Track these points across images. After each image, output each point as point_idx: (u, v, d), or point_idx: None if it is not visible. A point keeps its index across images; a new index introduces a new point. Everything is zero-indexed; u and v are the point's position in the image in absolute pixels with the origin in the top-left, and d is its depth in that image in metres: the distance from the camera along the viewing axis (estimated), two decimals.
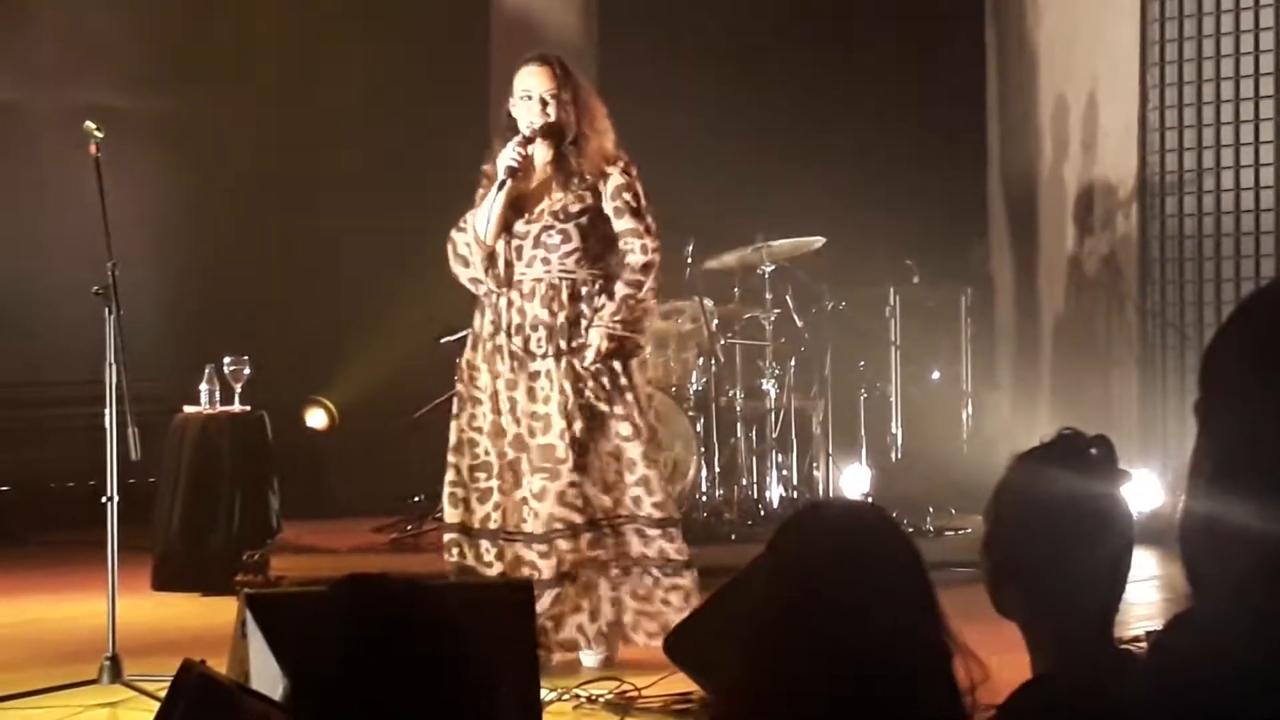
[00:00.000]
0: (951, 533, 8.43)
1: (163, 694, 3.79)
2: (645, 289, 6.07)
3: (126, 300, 5.50)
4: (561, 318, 5.99)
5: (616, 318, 5.99)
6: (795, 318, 8.85)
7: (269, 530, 7.86)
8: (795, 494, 8.82)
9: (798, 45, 11.05)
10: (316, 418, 9.88)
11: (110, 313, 5.41)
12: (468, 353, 6.15)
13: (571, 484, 5.91)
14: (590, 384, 5.99)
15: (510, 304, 6.03)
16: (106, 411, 5.44)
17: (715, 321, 8.66)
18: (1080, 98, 9.75)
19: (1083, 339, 9.80)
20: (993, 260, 10.67)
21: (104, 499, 5.49)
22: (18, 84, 9.63)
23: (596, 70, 11.16)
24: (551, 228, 6.01)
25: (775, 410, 8.81)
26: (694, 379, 8.64)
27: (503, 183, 5.94)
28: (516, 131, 6.03)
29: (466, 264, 6.07)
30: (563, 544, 5.87)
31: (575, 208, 6.05)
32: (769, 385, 8.78)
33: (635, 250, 6.05)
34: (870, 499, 8.72)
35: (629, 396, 6.04)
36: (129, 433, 5.30)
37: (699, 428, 8.49)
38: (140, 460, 5.36)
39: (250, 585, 7.10)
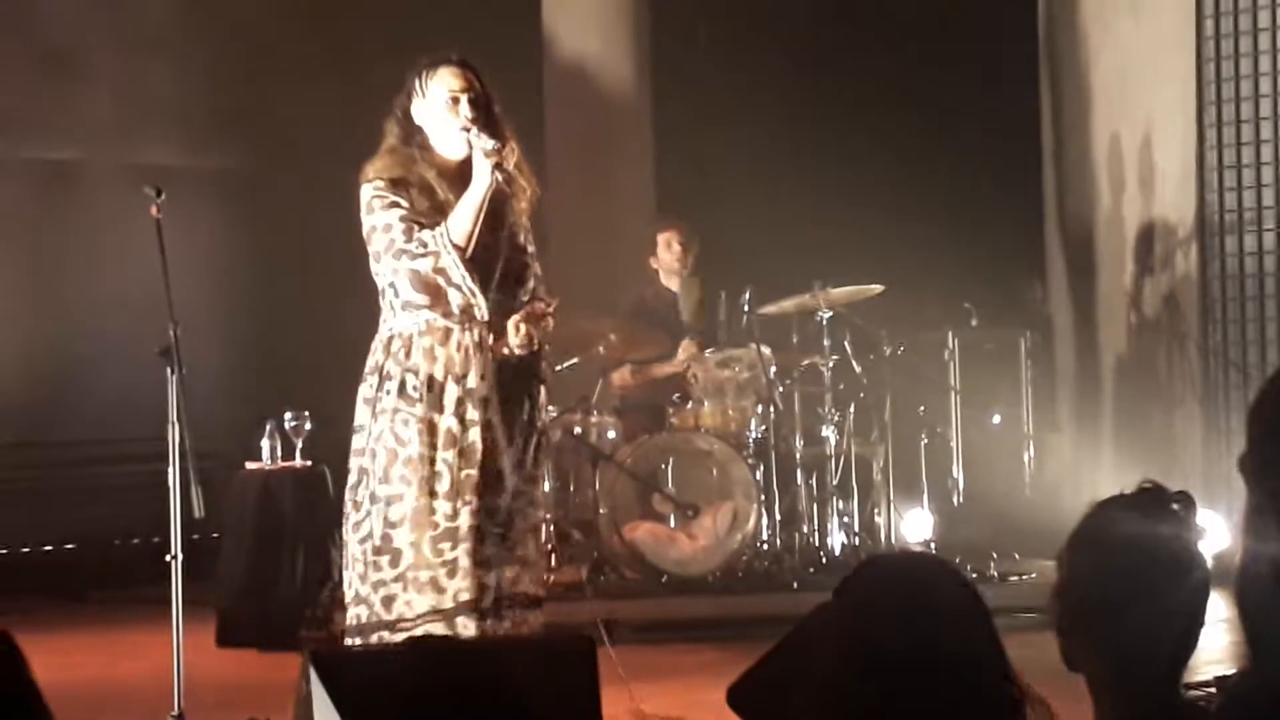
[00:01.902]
0: (1016, 578, 8.37)
1: None
2: None
3: (187, 357, 5.53)
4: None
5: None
6: (854, 363, 8.82)
7: (331, 584, 7.87)
8: (857, 540, 8.77)
9: (851, 93, 11.06)
10: None
11: (172, 372, 5.45)
12: (421, 409, 5.23)
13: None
14: (534, 443, 5.33)
15: (481, 344, 5.27)
16: (170, 470, 5.46)
17: (773, 369, 8.64)
18: (1136, 137, 9.71)
19: (1144, 379, 9.73)
20: (1051, 301, 10.62)
21: (168, 557, 5.51)
22: (77, 143, 9.73)
23: (651, 121, 11.21)
24: (511, 258, 5.35)
25: (835, 456, 8.78)
26: (753, 426, 8.62)
27: (489, 187, 5.18)
28: (421, 143, 5.32)
29: (438, 291, 5.21)
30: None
31: (520, 237, 5.39)
32: (829, 431, 8.75)
33: (540, 290, 5.43)
34: (933, 544, 8.67)
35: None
36: (192, 490, 5.32)
37: (759, 475, 8.46)
38: (203, 516, 5.38)
39: (314, 640, 7.11)
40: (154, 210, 5.59)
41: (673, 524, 8.54)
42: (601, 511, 8.40)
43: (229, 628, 7.64)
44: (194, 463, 5.38)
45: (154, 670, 6.28)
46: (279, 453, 7.84)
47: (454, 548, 5.15)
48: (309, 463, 7.88)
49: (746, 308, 8.58)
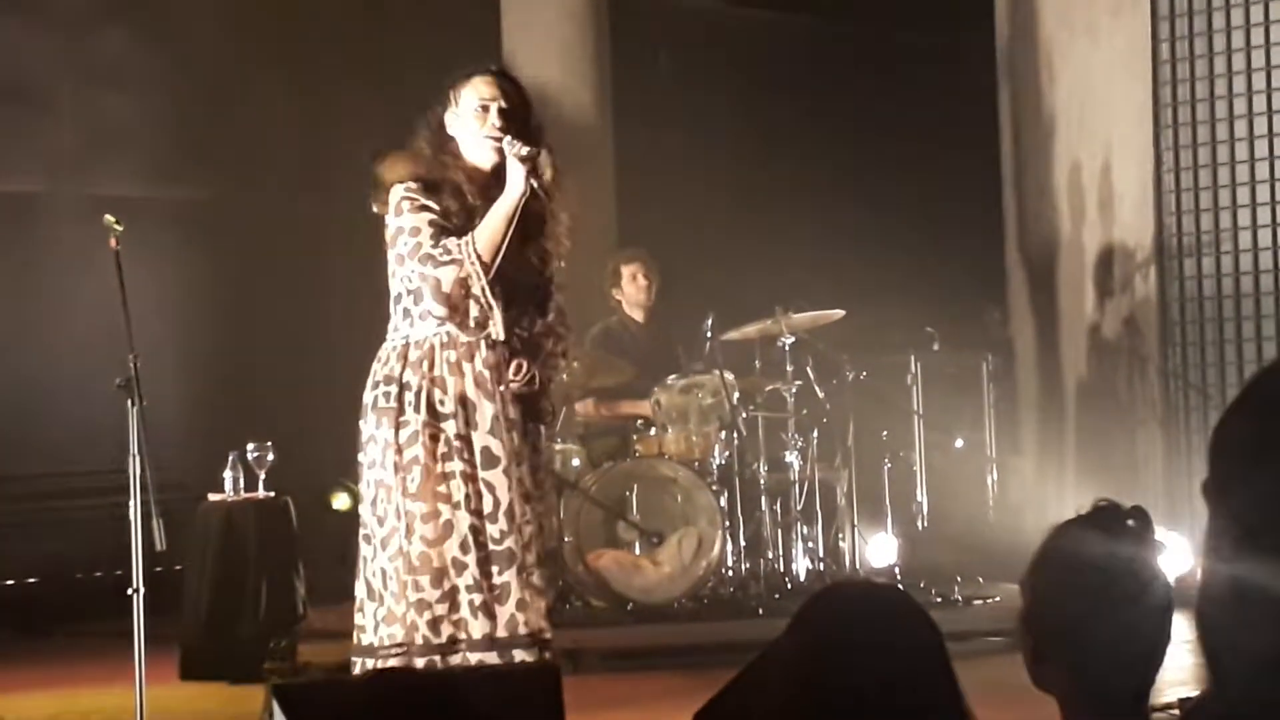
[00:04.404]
0: (980, 601, 8.38)
1: None
2: None
3: (148, 389, 5.51)
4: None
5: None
6: (817, 389, 8.83)
7: (295, 616, 7.84)
8: (822, 566, 8.78)
9: (813, 118, 11.10)
10: (341, 501, 9.87)
11: (133, 404, 5.42)
12: (455, 425, 5.07)
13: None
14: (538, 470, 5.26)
15: (499, 364, 5.17)
16: (131, 503, 5.44)
17: (736, 394, 8.65)
18: (1095, 162, 9.76)
19: (1105, 402, 9.77)
20: (1013, 325, 10.66)
21: (130, 590, 5.48)
22: (38, 175, 9.70)
23: (612, 147, 11.23)
24: (531, 283, 5.29)
25: (799, 482, 8.78)
26: (716, 453, 8.62)
27: (522, 195, 5.08)
28: (452, 151, 5.20)
29: (458, 303, 5.14)
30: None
31: (547, 261, 5.34)
32: (792, 457, 8.76)
33: (560, 321, 5.41)
34: (897, 569, 8.68)
35: None
36: (154, 524, 5.30)
37: (723, 502, 8.46)
38: (165, 550, 5.35)
39: (277, 672, 7.08)
40: (113, 242, 5.57)
41: (638, 551, 8.54)
42: (566, 540, 8.38)
43: (192, 661, 7.59)
44: (155, 495, 5.36)
45: (117, 704, 6.25)
46: (242, 484, 7.80)
47: (502, 572, 5.03)
48: (272, 494, 7.85)
49: (709, 334, 8.59)
